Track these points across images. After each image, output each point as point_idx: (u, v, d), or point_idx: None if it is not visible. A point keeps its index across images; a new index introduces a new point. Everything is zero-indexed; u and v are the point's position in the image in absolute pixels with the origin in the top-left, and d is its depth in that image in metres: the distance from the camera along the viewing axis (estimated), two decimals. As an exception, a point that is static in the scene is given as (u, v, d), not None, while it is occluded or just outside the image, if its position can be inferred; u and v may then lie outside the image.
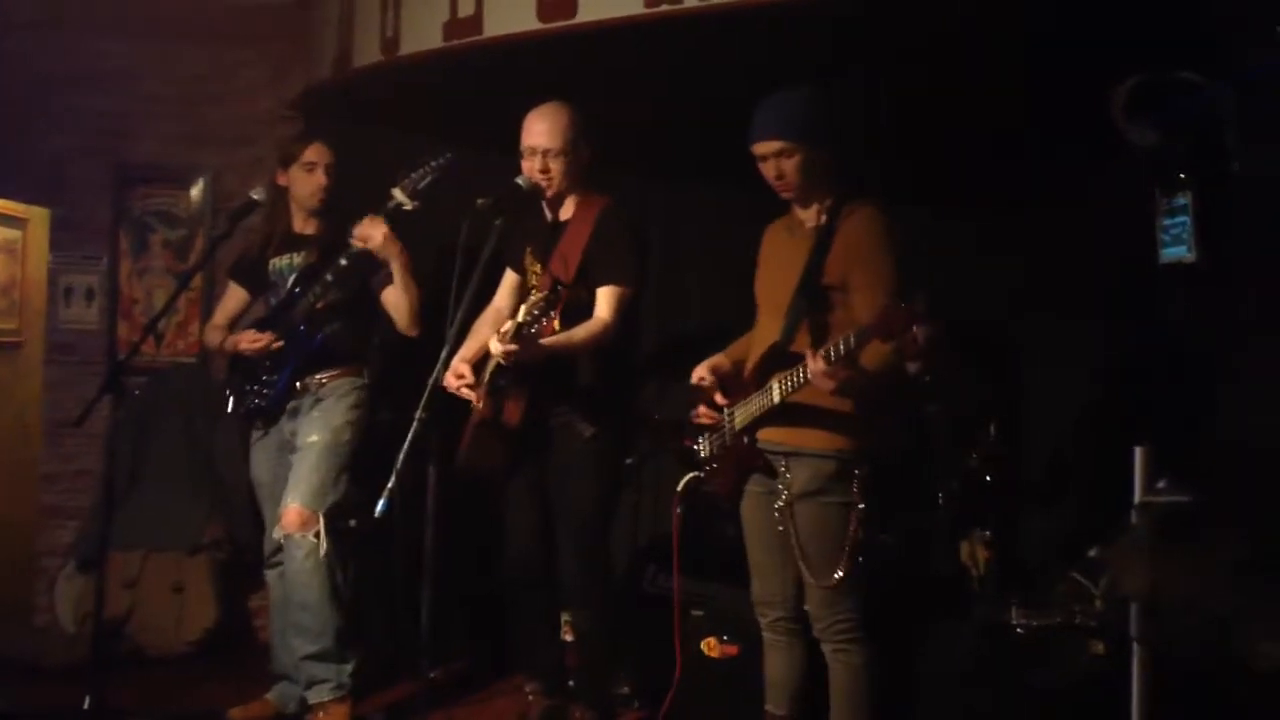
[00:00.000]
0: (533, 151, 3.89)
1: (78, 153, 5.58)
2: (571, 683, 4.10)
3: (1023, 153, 4.40)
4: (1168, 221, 3.44)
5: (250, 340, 4.26)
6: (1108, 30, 3.60)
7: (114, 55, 5.57)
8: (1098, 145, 3.62)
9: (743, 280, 3.72)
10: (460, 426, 4.00)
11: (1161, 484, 3.17)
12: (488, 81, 4.49)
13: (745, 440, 3.54)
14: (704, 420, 3.64)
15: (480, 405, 3.91)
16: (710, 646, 4.03)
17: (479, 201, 3.71)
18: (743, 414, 3.54)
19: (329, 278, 4.17)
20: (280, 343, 4.23)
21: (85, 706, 4.08)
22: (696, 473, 3.72)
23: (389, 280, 4.20)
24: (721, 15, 3.80)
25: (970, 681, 3.64)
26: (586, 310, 3.86)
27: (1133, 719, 3.20)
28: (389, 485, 3.41)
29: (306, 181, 4.25)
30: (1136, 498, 3.18)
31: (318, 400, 4.24)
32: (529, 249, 4.04)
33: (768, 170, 3.47)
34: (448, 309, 3.57)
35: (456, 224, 3.65)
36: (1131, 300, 4.27)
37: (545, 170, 3.88)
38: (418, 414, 3.45)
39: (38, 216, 5.76)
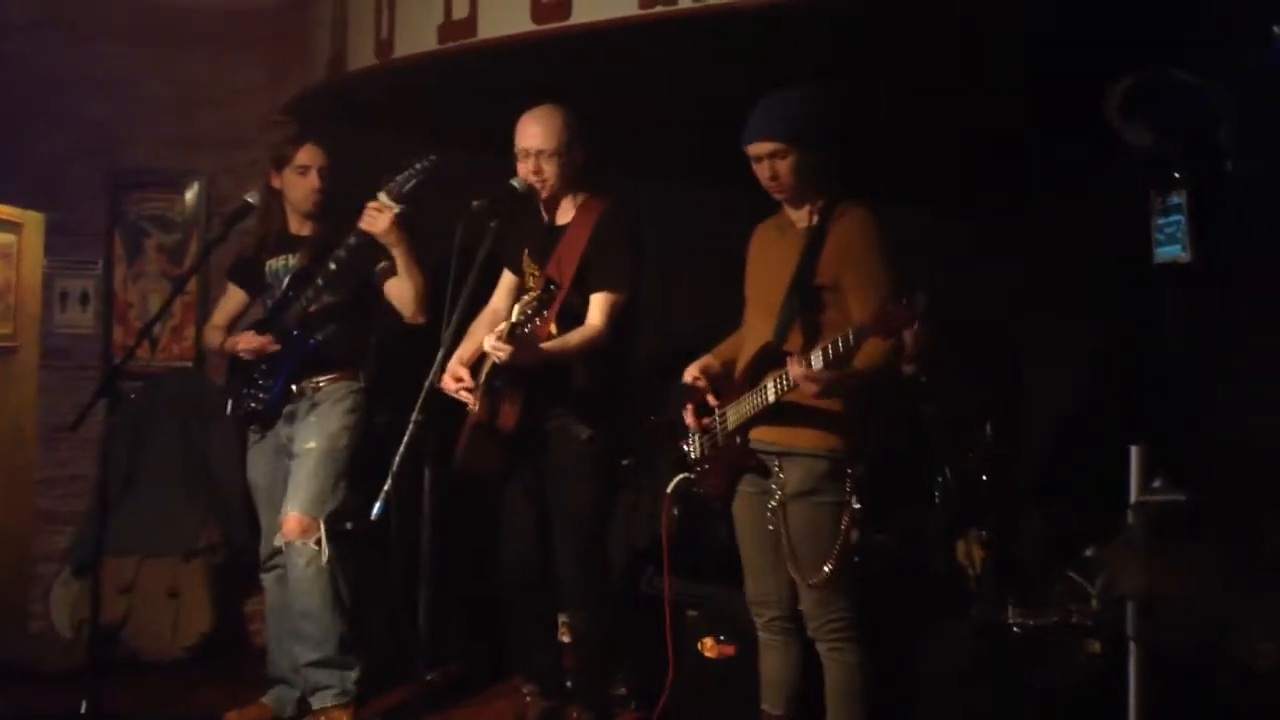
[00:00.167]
0: (526, 153, 3.90)
1: (73, 157, 5.57)
2: (569, 684, 4.10)
3: (1019, 153, 4.41)
4: (1162, 221, 3.45)
5: (246, 343, 4.25)
6: (1103, 30, 3.61)
7: (109, 59, 5.57)
8: (1093, 145, 3.63)
9: (739, 280, 3.72)
10: (456, 429, 4.00)
11: (1157, 483, 3.18)
12: (484, 83, 4.49)
13: (738, 440, 3.55)
14: (695, 421, 3.65)
15: (476, 407, 3.91)
16: (707, 647, 4.03)
17: (474, 203, 3.72)
18: (736, 414, 3.54)
19: (320, 281, 4.16)
20: (275, 346, 4.22)
21: (82, 712, 4.06)
22: (687, 474, 3.72)
23: (391, 272, 4.19)
24: (716, 16, 3.80)
25: (967, 681, 3.64)
26: (582, 314, 3.86)
27: (1130, 717, 3.20)
28: (385, 488, 3.41)
29: (300, 184, 4.24)
30: (1132, 497, 3.18)
31: (314, 405, 4.23)
32: (527, 251, 4.03)
33: (761, 171, 3.48)
34: (444, 311, 3.57)
35: (452, 226, 3.65)
36: (1127, 299, 4.28)
37: (538, 171, 3.88)
38: (414, 416, 3.45)
39: (33, 221, 5.76)
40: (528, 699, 4.16)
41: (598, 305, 3.84)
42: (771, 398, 3.40)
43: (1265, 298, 3.42)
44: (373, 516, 3.46)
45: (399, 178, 4.05)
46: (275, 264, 4.32)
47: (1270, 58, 3.18)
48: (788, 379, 3.33)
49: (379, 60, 4.60)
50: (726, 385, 3.61)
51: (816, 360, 3.23)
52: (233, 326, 4.44)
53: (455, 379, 3.91)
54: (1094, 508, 3.60)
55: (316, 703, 4.18)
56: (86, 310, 5.64)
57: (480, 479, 4.01)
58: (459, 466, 3.96)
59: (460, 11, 4.25)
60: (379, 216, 4.06)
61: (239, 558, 5.31)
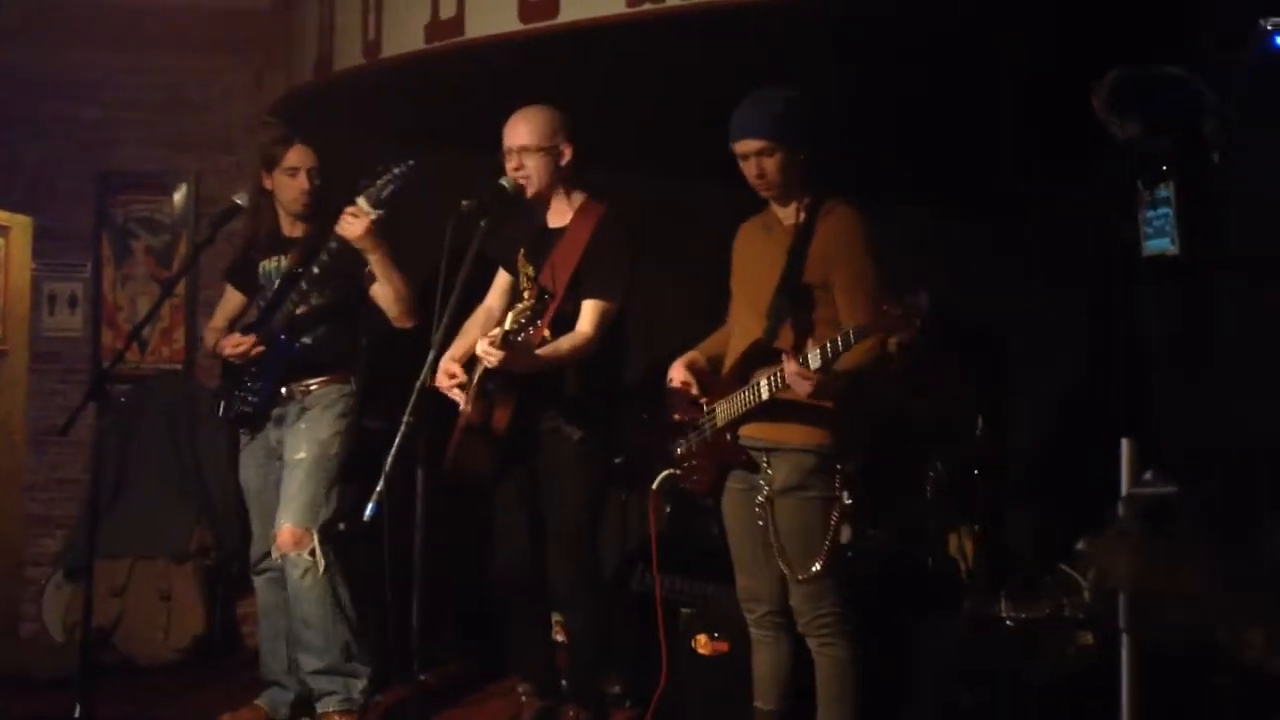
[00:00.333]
0: (510, 151, 3.90)
1: (60, 160, 5.57)
2: (564, 683, 4.10)
3: (1005, 148, 4.42)
4: (1150, 214, 3.46)
5: (233, 345, 4.24)
6: (1089, 24, 3.62)
7: (94, 62, 5.56)
8: (1080, 139, 3.64)
9: (726, 277, 3.72)
10: (448, 431, 4.00)
11: (1148, 475, 3.18)
12: (476, 83, 4.48)
13: (728, 437, 3.56)
14: (684, 418, 3.65)
15: (468, 408, 3.91)
16: (701, 644, 4.03)
17: (463, 203, 3.72)
18: (725, 411, 3.55)
19: (303, 284, 4.14)
20: (260, 349, 4.20)
21: (75, 716, 4.07)
22: (673, 470, 3.73)
23: (374, 277, 4.18)
24: (704, 14, 3.81)
25: (960, 674, 3.65)
26: (573, 320, 3.86)
27: (1122, 709, 3.21)
28: (377, 489, 3.41)
29: (289, 186, 4.23)
30: (1123, 489, 3.19)
31: (303, 409, 4.20)
32: (522, 251, 4.03)
33: (748, 169, 3.49)
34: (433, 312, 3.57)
35: (442, 226, 3.65)
36: (1116, 293, 4.29)
37: (520, 168, 3.89)
38: (405, 417, 3.45)
39: (20, 224, 5.75)
40: (523, 699, 4.16)
41: (589, 313, 3.84)
42: (765, 395, 3.41)
43: (1254, 289, 3.43)
44: (365, 517, 3.46)
45: (377, 183, 4.03)
46: (268, 265, 4.31)
47: (1257, 51, 3.19)
48: (782, 377, 3.34)
49: (366, 61, 4.59)
50: (713, 381, 3.62)
51: (813, 359, 3.25)
52: (232, 328, 4.42)
53: (449, 375, 3.90)
54: (1085, 501, 3.61)
55: (321, 708, 4.16)
56: (75, 313, 5.64)
57: (472, 482, 4.01)
58: (451, 469, 3.96)
59: (447, 11, 4.24)
60: (354, 222, 4.03)
61: (231, 560, 5.31)
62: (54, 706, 4.23)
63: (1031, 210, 4.66)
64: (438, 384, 3.82)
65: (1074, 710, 3.42)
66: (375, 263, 4.10)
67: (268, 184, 4.27)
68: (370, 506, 3.43)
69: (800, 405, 3.38)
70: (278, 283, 4.25)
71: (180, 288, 5.49)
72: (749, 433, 3.53)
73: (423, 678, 4.75)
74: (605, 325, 3.86)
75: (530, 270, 3.99)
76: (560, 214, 3.99)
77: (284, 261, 4.26)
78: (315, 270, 4.11)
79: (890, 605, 3.92)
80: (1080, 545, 3.34)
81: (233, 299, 4.48)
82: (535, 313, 3.72)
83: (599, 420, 3.95)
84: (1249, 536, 2.84)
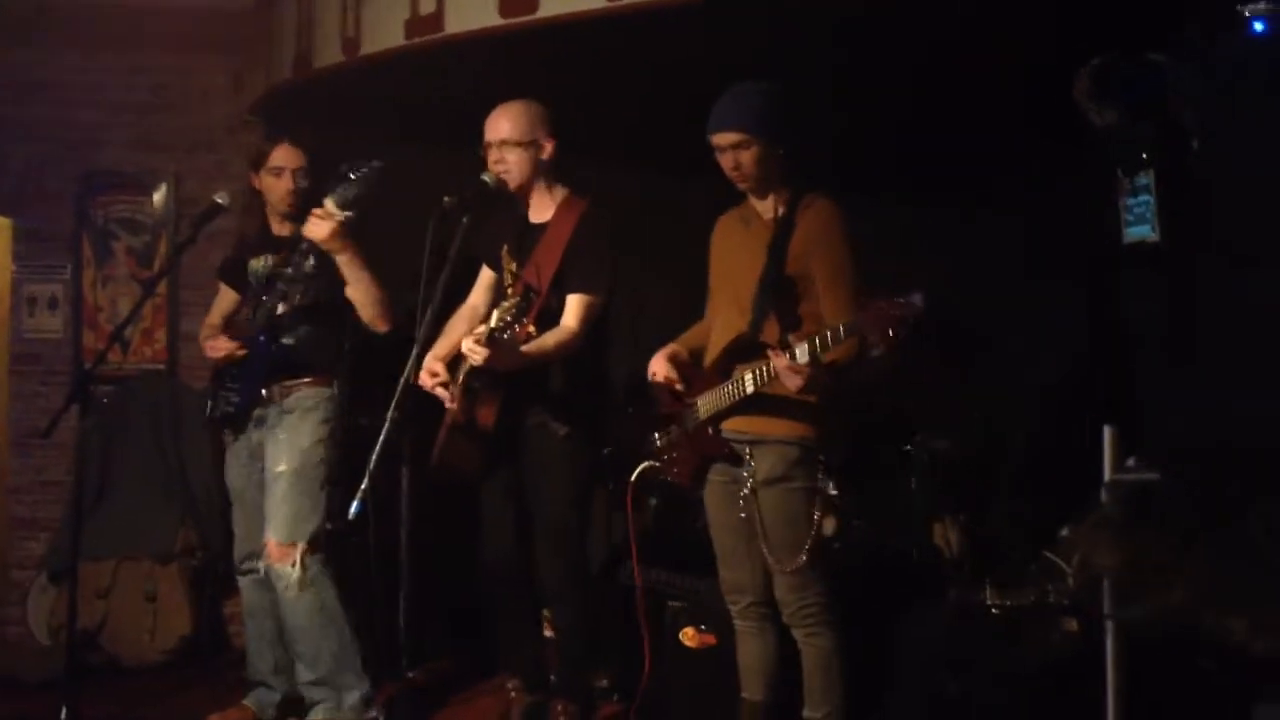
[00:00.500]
0: (491, 146, 3.90)
1: (39, 161, 5.54)
2: (553, 678, 4.11)
3: (987, 140, 4.43)
4: (1131, 201, 3.47)
5: (213, 347, 4.22)
6: (1069, 11, 3.63)
7: (73, 64, 5.54)
8: (1060, 127, 3.65)
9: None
10: (434, 428, 4.00)
11: (1131, 463, 3.20)
12: (457, 78, 4.47)
13: (710, 430, 3.57)
14: (666, 411, 3.66)
15: (454, 406, 3.90)
16: (688, 636, 4.04)
17: (445, 199, 3.71)
18: (708, 404, 3.56)
19: (280, 286, 4.11)
20: (242, 350, 4.16)
21: (61, 718, 4.05)
22: (652, 462, 3.74)
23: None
24: (684, 8, 3.81)
25: (946, 662, 3.67)
26: (559, 315, 3.86)
27: (1108, 695, 3.23)
28: (362, 486, 3.40)
29: (275, 186, 4.19)
30: (1106, 477, 3.21)
31: (284, 412, 4.15)
32: (506, 246, 4.03)
33: (725, 161, 3.51)
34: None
35: (424, 222, 3.64)
36: (1098, 281, 4.31)
37: (500, 161, 3.88)
38: (389, 413, 3.44)
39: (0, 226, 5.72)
40: (512, 694, 4.16)
41: (573, 308, 3.84)
42: (750, 389, 3.43)
43: (1235, 276, 3.44)
44: (350, 516, 3.45)
45: (343, 184, 4.00)
46: (256, 264, 4.27)
47: (1237, 38, 3.20)
48: (768, 371, 3.35)
49: (346, 58, 4.58)
50: (695, 374, 3.63)
51: (801, 354, 3.26)
52: (228, 326, 4.40)
53: (431, 374, 3.90)
54: (1069, 488, 3.62)
55: (311, 716, 4.15)
56: (56, 315, 5.61)
57: (459, 480, 4.01)
58: (437, 467, 3.96)
59: (427, 7, 4.24)
60: (321, 224, 3.99)
61: (216, 560, 5.30)
62: (40, 709, 4.22)
63: (1012, 201, 4.68)
64: (420, 383, 3.81)
65: (1060, 696, 3.43)
66: (344, 265, 4.05)
67: (256, 183, 4.25)
68: (355, 505, 3.43)
69: (784, 398, 3.40)
70: (264, 282, 4.23)
71: (161, 288, 5.47)
72: (732, 426, 3.54)
73: (411, 675, 4.76)
74: (590, 320, 3.86)
75: (514, 266, 3.98)
76: (543, 209, 3.99)
77: (271, 260, 4.24)
78: (289, 271, 4.09)
79: (875, 594, 3.93)
80: (1064, 532, 3.36)
81: (227, 297, 4.45)
82: (521, 309, 3.71)
83: (585, 415, 3.95)
84: (1231, 523, 2.85)
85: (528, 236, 3.99)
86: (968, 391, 4.45)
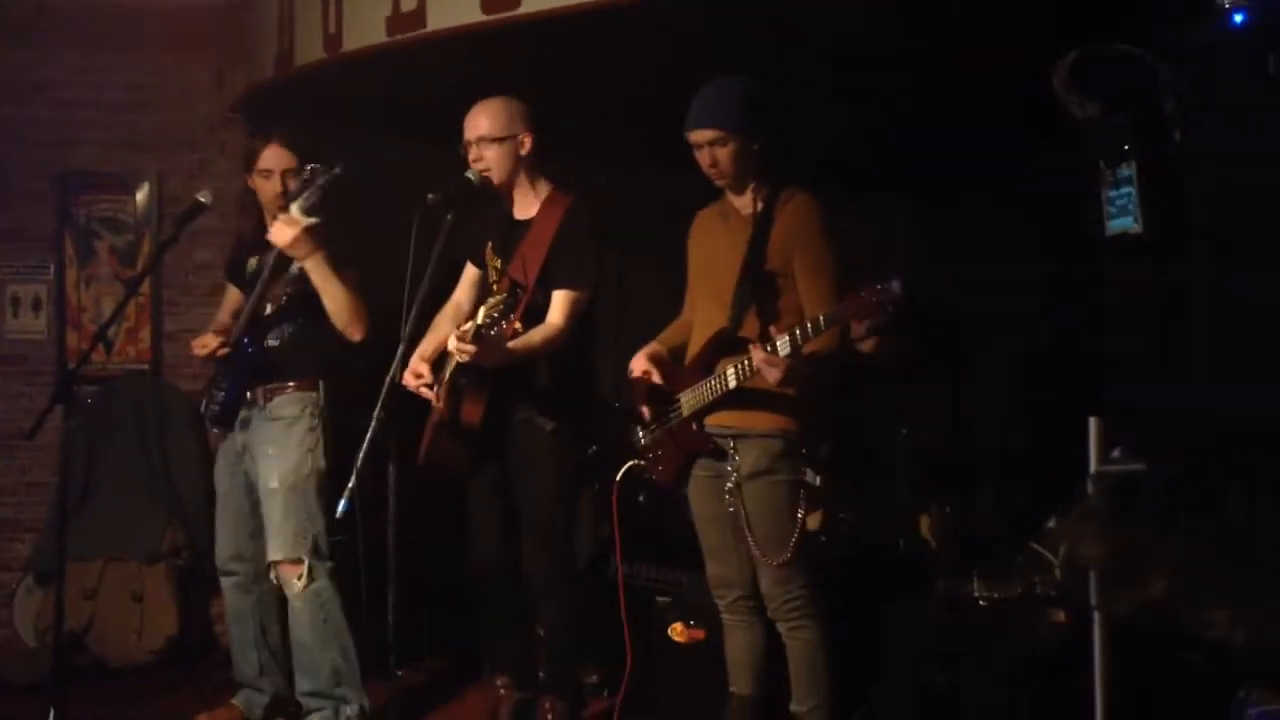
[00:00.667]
0: (470, 143, 3.90)
1: (19, 161, 5.51)
2: (541, 674, 4.11)
3: (967, 130, 4.44)
4: (1113, 193, 3.48)
5: (199, 344, 4.20)
6: (1046, 4, 3.63)
7: (53, 63, 5.51)
8: (1041, 119, 3.65)
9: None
10: (420, 426, 3.99)
11: (1116, 453, 3.21)
12: (440, 75, 4.46)
13: (693, 426, 3.57)
14: (649, 410, 3.67)
15: (440, 404, 3.90)
16: (677, 631, 4.05)
17: (429, 197, 3.70)
18: (691, 401, 3.57)
19: (258, 288, 4.08)
20: (224, 350, 4.12)
21: (49, 720, 4.05)
22: (637, 461, 3.74)
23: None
24: (666, 3, 3.81)
25: (933, 655, 3.68)
26: (544, 311, 3.86)
27: (1095, 685, 3.24)
28: (349, 486, 3.40)
29: (264, 188, 4.15)
30: (1092, 468, 3.22)
31: (269, 419, 4.11)
32: (490, 244, 4.02)
33: (702, 158, 3.52)
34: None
35: (409, 220, 3.63)
36: (1081, 272, 4.32)
37: (479, 159, 3.88)
38: (376, 413, 3.44)
39: (-20, 227, 5.69)
40: (501, 691, 4.16)
41: (559, 304, 3.84)
42: (732, 384, 3.43)
43: (1216, 267, 3.45)
44: (338, 514, 3.47)
45: (306, 193, 3.98)
46: (253, 263, 4.24)
47: (1215, 28, 3.21)
48: (749, 365, 3.35)
49: (327, 55, 4.57)
50: (676, 372, 3.63)
51: (782, 346, 3.27)
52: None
53: (415, 375, 3.89)
54: (1055, 479, 3.63)
55: None
56: (39, 315, 5.59)
57: (446, 477, 4.01)
58: (424, 466, 3.96)
59: (408, 3, 4.22)
60: (284, 230, 3.96)
61: (203, 560, 5.28)
62: (27, 711, 4.21)
63: (994, 192, 4.68)
64: (405, 383, 3.81)
65: (1047, 688, 3.45)
66: (312, 271, 4.01)
67: (250, 183, 4.22)
68: (342, 504, 3.43)
69: (766, 392, 3.41)
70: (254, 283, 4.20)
71: (145, 287, 5.45)
72: (716, 421, 3.55)
73: (400, 673, 4.77)
74: (576, 315, 3.86)
75: (499, 263, 3.98)
76: (527, 205, 3.98)
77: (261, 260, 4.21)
78: (265, 274, 4.06)
79: (862, 587, 3.94)
80: (1050, 524, 3.38)
81: (232, 296, 4.42)
82: (507, 306, 3.71)
83: (571, 411, 3.95)
84: (1211, 513, 2.86)
85: (512, 233, 3.98)
86: (953, 383, 4.45)
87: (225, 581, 4.28)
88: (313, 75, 4.70)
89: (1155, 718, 3.25)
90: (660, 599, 4.19)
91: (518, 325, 3.79)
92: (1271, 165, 3.20)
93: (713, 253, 3.64)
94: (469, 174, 3.88)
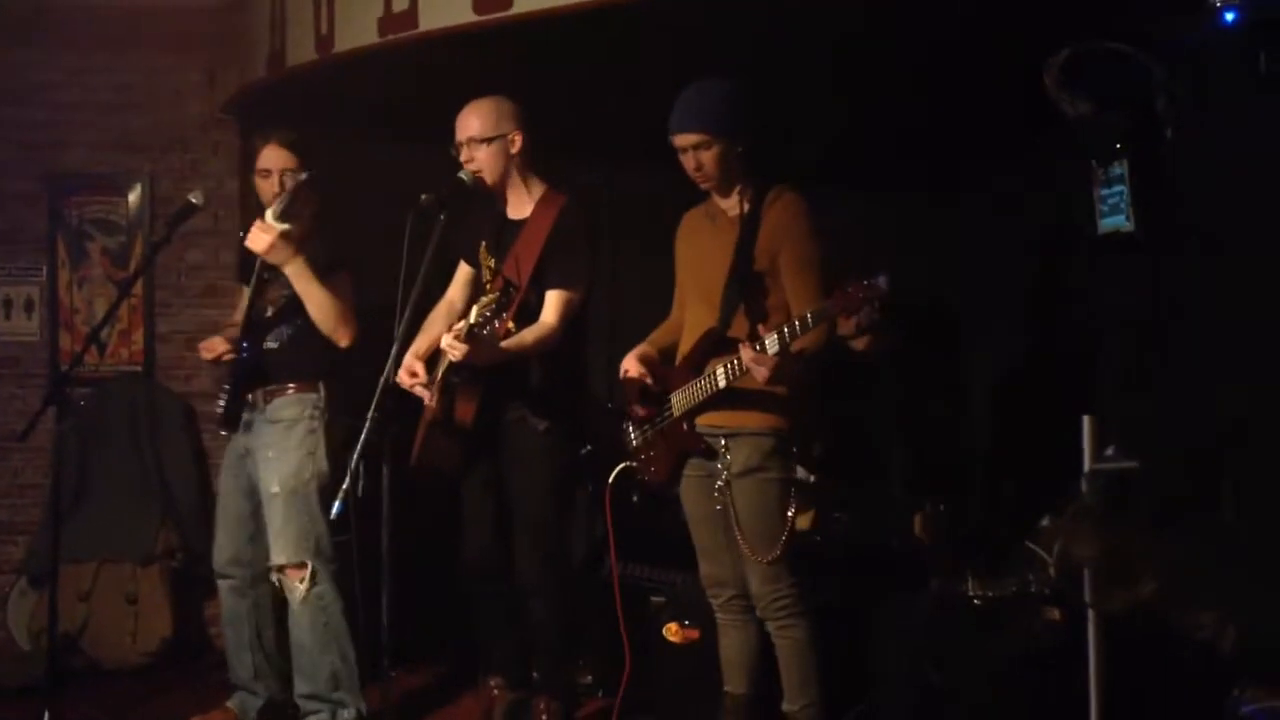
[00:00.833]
0: (461, 144, 3.90)
1: (11, 163, 5.49)
2: (535, 675, 4.11)
3: (960, 128, 4.44)
4: (1105, 192, 3.49)
5: (205, 347, 4.20)
6: (1039, 3, 3.63)
7: (43, 63, 5.49)
8: (1033, 118, 3.66)
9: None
10: (414, 426, 3.99)
11: (1110, 451, 3.22)
12: (434, 76, 4.45)
13: (684, 426, 3.58)
14: (641, 411, 3.67)
15: (433, 403, 3.90)
16: (672, 631, 4.05)
17: (422, 197, 3.70)
18: (682, 401, 3.57)
19: (250, 291, 4.07)
20: (230, 353, 4.13)
21: (43, 723, 4.04)
22: (629, 462, 3.75)
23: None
24: (659, 3, 3.81)
25: (928, 653, 3.68)
26: (538, 311, 3.86)
27: (1090, 683, 3.25)
28: (343, 486, 3.40)
29: (263, 189, 4.13)
30: (1086, 466, 3.23)
31: (269, 422, 4.10)
32: (484, 243, 4.02)
33: (687, 161, 3.53)
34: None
35: (402, 221, 3.63)
36: (1074, 270, 4.33)
37: (470, 160, 3.88)
38: (370, 413, 3.44)
39: (-29, 230, 5.67)
40: (495, 692, 4.15)
41: (552, 304, 3.84)
42: (722, 384, 3.44)
43: (1210, 264, 3.46)
44: (332, 515, 3.47)
45: (281, 196, 3.97)
46: (258, 265, 4.24)
47: (1206, 26, 3.22)
48: (738, 365, 3.36)
49: (319, 55, 4.56)
50: (666, 373, 3.64)
51: (771, 345, 3.28)
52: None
53: (410, 374, 3.89)
54: (1049, 477, 3.64)
55: None
56: (31, 317, 5.57)
57: (440, 477, 4.00)
58: (418, 465, 3.96)
59: (400, 4, 4.22)
60: (260, 237, 3.95)
61: (198, 561, 5.28)
62: (22, 713, 4.20)
63: (987, 189, 4.68)
64: (399, 381, 3.81)
65: (1042, 686, 3.45)
66: (293, 277, 3.99)
67: (256, 184, 4.21)
68: (337, 505, 3.43)
69: (757, 391, 3.42)
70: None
71: (138, 288, 5.44)
72: (707, 420, 3.56)
73: (394, 674, 4.76)
74: (569, 315, 3.86)
75: (492, 262, 3.98)
76: (520, 205, 3.98)
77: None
78: (265, 276, 4.05)
79: (857, 587, 3.94)
80: (1044, 522, 3.38)
81: (243, 296, 4.42)
82: (500, 305, 3.70)
83: (564, 410, 3.95)
84: (1203, 509, 2.87)
85: (506, 232, 3.98)
86: (945, 381, 4.46)
87: (222, 585, 4.27)
88: (305, 76, 4.69)
89: (1150, 715, 3.26)
90: (655, 599, 4.19)
91: (510, 324, 3.79)
92: (1263, 163, 3.21)
93: (700, 254, 3.65)
94: (461, 174, 3.88)
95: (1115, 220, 3.48)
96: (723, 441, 3.53)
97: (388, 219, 3.76)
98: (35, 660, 4.82)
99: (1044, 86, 3.46)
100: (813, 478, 3.52)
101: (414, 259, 3.59)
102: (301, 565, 4.04)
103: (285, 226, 3.97)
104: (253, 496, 4.15)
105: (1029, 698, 3.45)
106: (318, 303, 4.01)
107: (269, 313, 4.12)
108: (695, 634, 4.00)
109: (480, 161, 3.89)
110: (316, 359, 4.10)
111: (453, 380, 3.87)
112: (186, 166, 5.53)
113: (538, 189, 3.97)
